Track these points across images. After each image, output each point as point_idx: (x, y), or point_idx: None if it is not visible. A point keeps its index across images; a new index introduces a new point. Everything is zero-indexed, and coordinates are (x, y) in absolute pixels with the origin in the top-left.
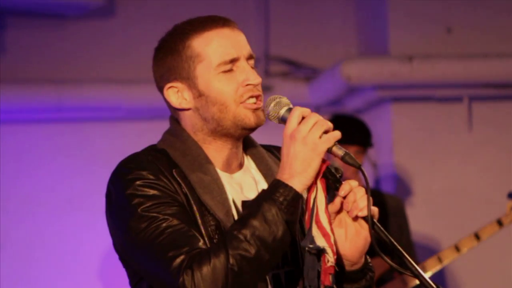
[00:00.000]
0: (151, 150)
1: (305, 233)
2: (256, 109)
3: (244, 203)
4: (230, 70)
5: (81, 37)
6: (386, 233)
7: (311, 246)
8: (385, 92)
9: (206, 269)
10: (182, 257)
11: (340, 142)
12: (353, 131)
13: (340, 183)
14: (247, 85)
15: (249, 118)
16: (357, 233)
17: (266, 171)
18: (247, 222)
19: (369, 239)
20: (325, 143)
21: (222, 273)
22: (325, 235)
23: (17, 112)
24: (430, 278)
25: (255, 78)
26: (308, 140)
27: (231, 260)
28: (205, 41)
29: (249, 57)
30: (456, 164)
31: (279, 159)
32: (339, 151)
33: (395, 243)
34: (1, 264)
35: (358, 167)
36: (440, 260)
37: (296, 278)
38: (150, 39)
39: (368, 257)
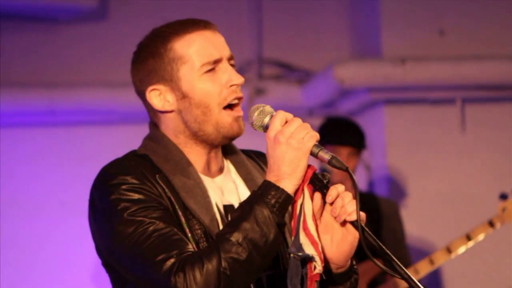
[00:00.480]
0: (133, 155)
1: (290, 239)
2: (238, 117)
3: (226, 207)
4: (213, 70)
5: (73, 41)
6: (374, 237)
7: (299, 254)
8: (378, 95)
9: (198, 272)
10: (172, 260)
11: (333, 143)
12: (346, 132)
13: (328, 189)
14: (231, 86)
15: (232, 127)
16: (344, 238)
17: (246, 175)
18: (239, 225)
19: (355, 243)
20: (309, 141)
21: (214, 276)
22: (313, 243)
23: (10, 116)
24: (420, 280)
25: (238, 78)
26: (292, 140)
27: (223, 263)
28: (188, 43)
29: (230, 58)
30: (449, 166)
31: (258, 163)
32: (325, 155)
33: (383, 247)
34: (3, 268)
35: (346, 170)
36: (432, 262)
37: (278, 282)
38: None
39: (353, 259)
